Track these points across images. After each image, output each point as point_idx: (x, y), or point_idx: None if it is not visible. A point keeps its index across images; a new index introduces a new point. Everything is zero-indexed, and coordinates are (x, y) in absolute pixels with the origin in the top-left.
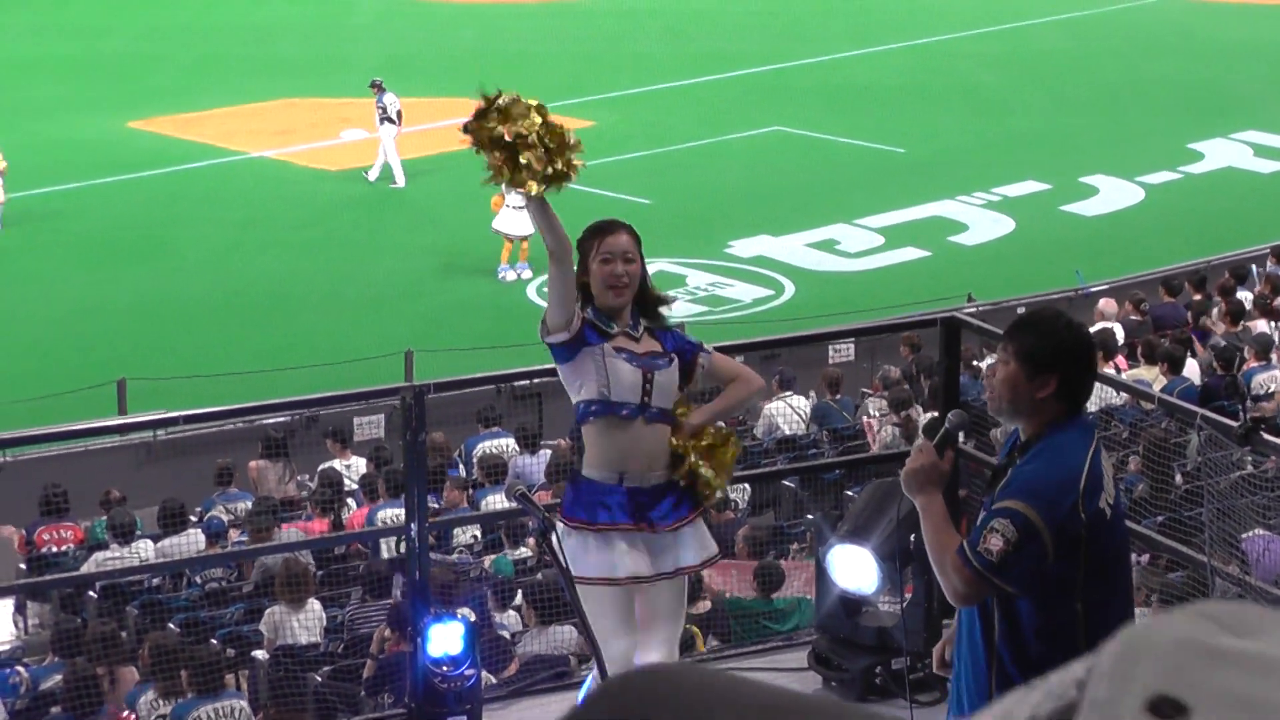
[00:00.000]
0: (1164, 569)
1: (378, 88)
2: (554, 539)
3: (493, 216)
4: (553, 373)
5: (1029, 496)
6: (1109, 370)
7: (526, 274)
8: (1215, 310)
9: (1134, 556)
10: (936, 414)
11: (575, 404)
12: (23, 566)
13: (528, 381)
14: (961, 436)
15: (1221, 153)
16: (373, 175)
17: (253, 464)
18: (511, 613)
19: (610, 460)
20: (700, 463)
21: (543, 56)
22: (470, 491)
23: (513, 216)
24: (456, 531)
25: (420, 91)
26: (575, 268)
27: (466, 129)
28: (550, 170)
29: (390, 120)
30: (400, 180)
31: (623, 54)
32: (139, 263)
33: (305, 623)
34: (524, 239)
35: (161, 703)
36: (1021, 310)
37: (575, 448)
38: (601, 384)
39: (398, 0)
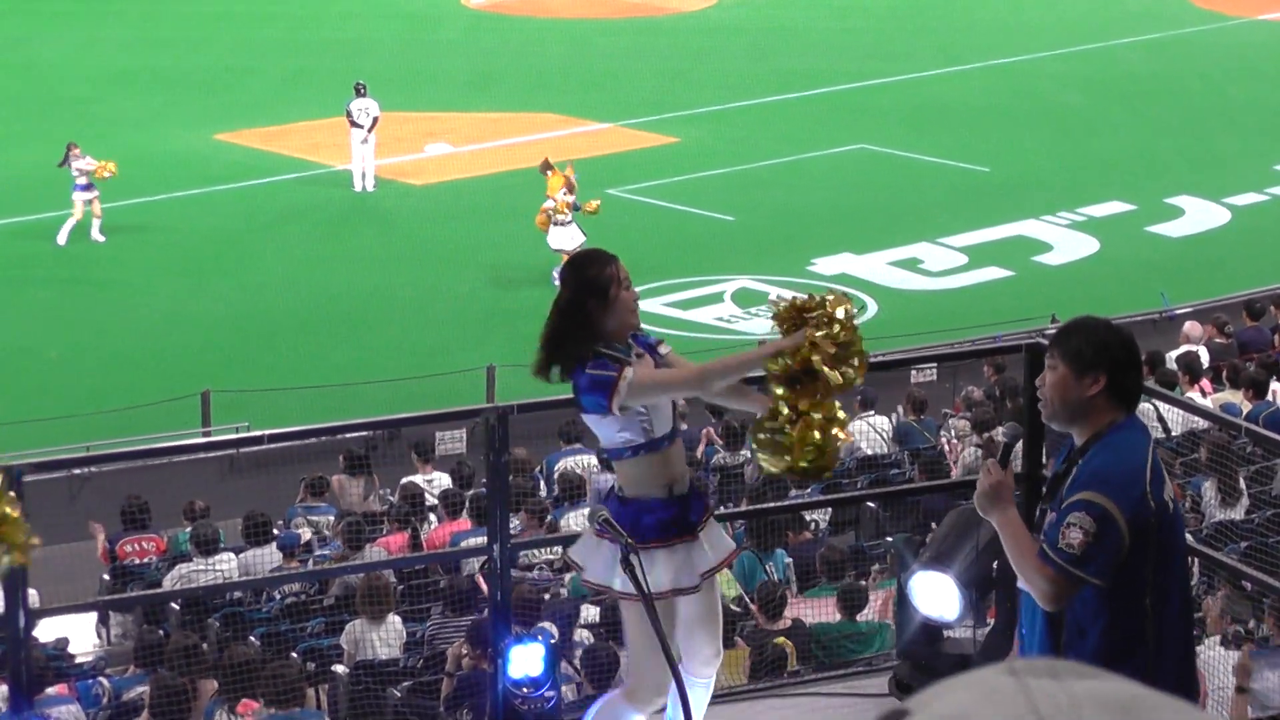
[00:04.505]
0: (1248, 598)
1: (359, 91)
2: (635, 563)
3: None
4: None
5: (1101, 486)
6: (1194, 394)
7: None
8: None
9: (1217, 587)
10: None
11: (612, 445)
12: (106, 577)
13: None
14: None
15: None
16: (370, 184)
17: (335, 478)
18: (584, 630)
19: (659, 480)
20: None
21: (628, 72)
22: (549, 509)
23: (562, 233)
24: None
25: (507, 106)
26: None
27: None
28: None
29: (356, 125)
30: (358, 186)
31: (707, 70)
32: (224, 274)
33: (385, 638)
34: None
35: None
36: None
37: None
38: (645, 425)
39: (485, 15)
